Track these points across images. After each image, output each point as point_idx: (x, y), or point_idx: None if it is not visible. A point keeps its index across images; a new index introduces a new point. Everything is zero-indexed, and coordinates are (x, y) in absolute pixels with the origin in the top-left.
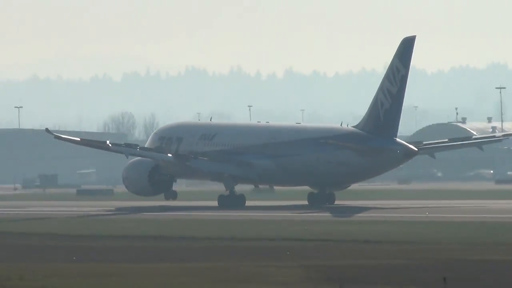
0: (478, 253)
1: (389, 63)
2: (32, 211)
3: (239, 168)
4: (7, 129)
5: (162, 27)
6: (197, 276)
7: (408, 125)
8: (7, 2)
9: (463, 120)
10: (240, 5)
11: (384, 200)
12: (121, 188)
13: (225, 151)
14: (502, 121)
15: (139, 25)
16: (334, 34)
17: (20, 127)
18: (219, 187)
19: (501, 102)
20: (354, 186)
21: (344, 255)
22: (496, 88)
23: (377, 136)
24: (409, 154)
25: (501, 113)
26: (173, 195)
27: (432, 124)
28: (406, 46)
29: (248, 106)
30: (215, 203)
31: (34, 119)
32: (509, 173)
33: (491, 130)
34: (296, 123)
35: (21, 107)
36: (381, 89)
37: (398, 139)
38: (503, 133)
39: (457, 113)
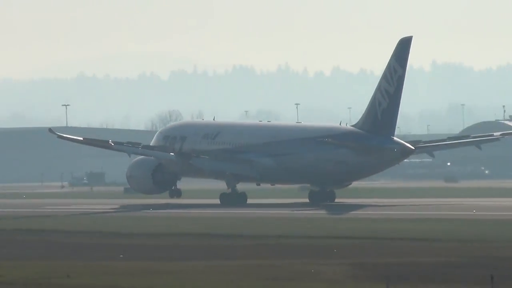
0: None
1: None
2: (78, 209)
3: (240, 166)
4: (55, 127)
5: (209, 26)
6: (246, 274)
7: (455, 123)
8: (55, 2)
9: (511, 118)
10: (288, 4)
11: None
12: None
13: (227, 150)
14: None
15: (186, 24)
16: (382, 32)
17: (68, 125)
18: (221, 185)
19: None
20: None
21: (391, 253)
22: None
23: (375, 135)
24: (406, 152)
25: None
26: (178, 193)
27: (480, 122)
28: (403, 47)
29: (295, 104)
30: (217, 201)
31: (82, 117)
32: None
33: None
34: (297, 122)
35: (69, 105)
36: (379, 89)
37: (395, 138)
38: (501, 132)
39: (504, 111)
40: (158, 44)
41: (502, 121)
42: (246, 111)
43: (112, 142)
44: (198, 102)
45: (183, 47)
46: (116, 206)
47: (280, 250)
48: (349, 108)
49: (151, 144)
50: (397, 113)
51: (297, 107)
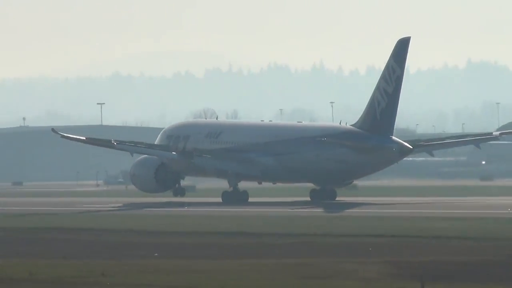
0: None
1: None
2: (113, 208)
3: (242, 165)
4: (90, 125)
5: (244, 24)
6: (283, 272)
7: (490, 122)
8: (91, 2)
9: None
10: (323, 3)
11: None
12: (203, 185)
13: (230, 149)
14: None
15: (221, 22)
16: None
17: (103, 124)
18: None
19: None
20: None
21: (426, 251)
22: None
23: (374, 134)
24: (404, 151)
25: None
26: (181, 192)
27: None
28: (401, 47)
29: (330, 102)
30: (219, 199)
31: (117, 115)
32: None
33: None
34: (298, 122)
35: (104, 103)
36: (378, 88)
37: (393, 137)
38: (500, 132)
39: None
40: (194, 43)
41: None
42: (281, 110)
43: (114, 141)
44: (233, 101)
45: (219, 45)
46: (149, 204)
47: (317, 249)
48: None
49: (155, 143)
50: (396, 113)
51: (332, 106)
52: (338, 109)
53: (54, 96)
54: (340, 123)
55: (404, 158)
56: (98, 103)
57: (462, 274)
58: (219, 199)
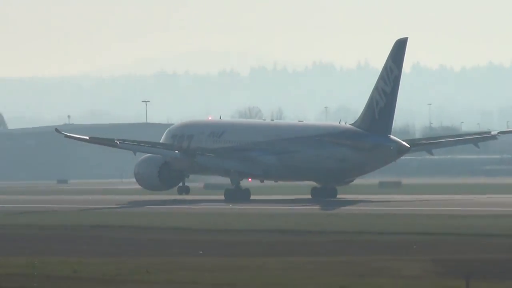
0: None
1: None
2: (155, 206)
3: (244, 164)
4: (135, 123)
5: (289, 23)
6: (327, 270)
7: None
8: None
9: None
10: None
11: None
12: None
13: (232, 148)
14: None
15: (266, 21)
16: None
17: (148, 122)
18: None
19: None
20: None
21: (470, 249)
22: None
23: (372, 133)
24: (402, 150)
25: None
26: (186, 190)
27: None
28: (399, 48)
29: None
30: (221, 197)
31: (161, 113)
32: None
33: None
34: (299, 121)
35: (149, 101)
36: (376, 88)
37: (392, 136)
38: (498, 131)
39: None
40: (239, 41)
41: None
42: (326, 108)
43: (117, 140)
44: (278, 99)
45: (263, 44)
46: (195, 202)
47: (360, 247)
48: (429, 104)
49: (160, 142)
50: (394, 112)
51: None
52: None
53: (98, 94)
54: (339, 122)
55: (448, 156)
56: (143, 101)
57: (507, 272)
58: (220, 197)
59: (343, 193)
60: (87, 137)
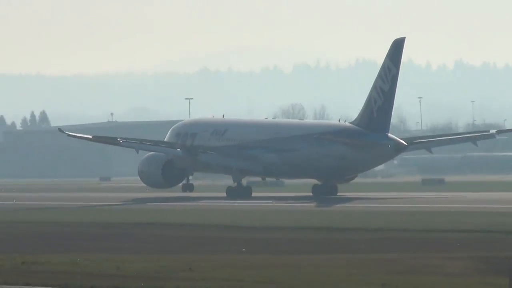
0: None
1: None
2: (194, 203)
3: (246, 161)
4: (177, 121)
5: (332, 20)
6: (368, 267)
7: None
8: None
9: None
10: None
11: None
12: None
13: (234, 146)
14: None
15: (310, 17)
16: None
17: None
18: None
19: None
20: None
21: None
22: None
23: (370, 131)
24: (400, 148)
25: None
26: (190, 188)
27: None
28: (397, 47)
29: (418, 97)
30: (223, 194)
31: (204, 111)
32: None
33: None
34: (299, 120)
35: (192, 99)
36: (375, 87)
37: (390, 134)
38: (497, 130)
39: None
40: (282, 38)
41: None
42: None
43: (120, 138)
44: (321, 96)
45: (306, 41)
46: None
47: (401, 244)
48: (472, 101)
49: (163, 140)
50: (392, 110)
51: (420, 101)
52: (426, 104)
53: (142, 91)
54: (339, 121)
55: (483, 154)
56: (186, 98)
57: None
58: (221, 194)
59: (380, 191)
60: (90, 136)
